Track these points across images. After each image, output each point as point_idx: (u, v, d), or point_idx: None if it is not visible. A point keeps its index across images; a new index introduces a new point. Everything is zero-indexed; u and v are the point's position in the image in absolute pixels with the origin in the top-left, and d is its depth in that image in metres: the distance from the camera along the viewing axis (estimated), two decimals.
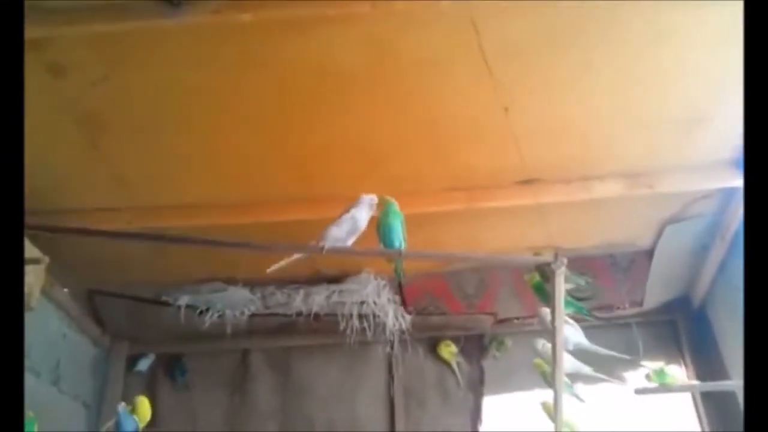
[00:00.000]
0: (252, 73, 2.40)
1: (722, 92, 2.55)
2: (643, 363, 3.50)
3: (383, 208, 2.46)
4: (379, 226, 2.44)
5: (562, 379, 2.51)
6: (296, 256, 2.31)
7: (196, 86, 2.44)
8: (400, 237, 2.39)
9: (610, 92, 2.55)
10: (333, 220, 2.29)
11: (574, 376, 2.84)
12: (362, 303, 3.68)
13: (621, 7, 2.19)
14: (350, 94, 2.52)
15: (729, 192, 3.05)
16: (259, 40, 2.26)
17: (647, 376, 3.05)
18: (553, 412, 2.59)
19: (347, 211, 2.35)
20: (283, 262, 2.30)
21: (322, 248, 2.21)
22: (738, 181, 2.92)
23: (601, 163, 2.94)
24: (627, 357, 3.09)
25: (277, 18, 2.14)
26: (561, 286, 2.30)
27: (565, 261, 2.29)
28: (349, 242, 2.34)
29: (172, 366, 3.96)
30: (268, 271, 2.22)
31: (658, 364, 3.18)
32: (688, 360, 3.71)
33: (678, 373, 3.13)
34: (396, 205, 2.45)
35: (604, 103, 2.60)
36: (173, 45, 2.27)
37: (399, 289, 3.69)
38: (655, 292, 3.68)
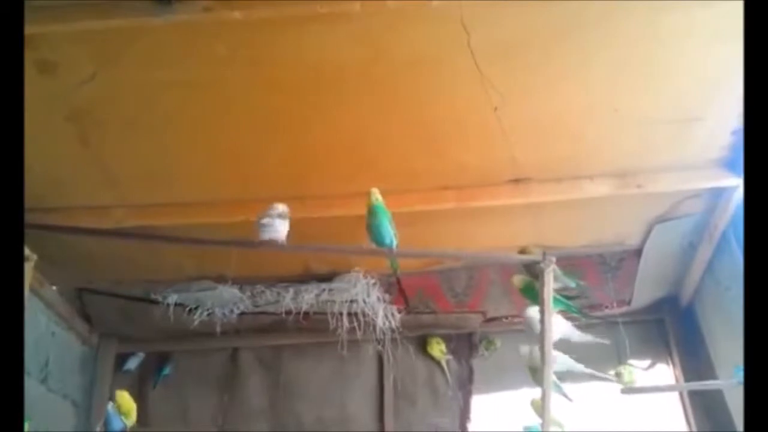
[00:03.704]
0: (243, 71, 2.40)
1: (712, 93, 2.57)
2: (631, 362, 3.54)
3: (370, 207, 2.47)
4: (369, 225, 2.46)
5: (551, 378, 2.52)
6: None
7: (187, 84, 2.44)
8: (390, 234, 2.41)
9: (600, 92, 2.56)
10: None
11: (565, 374, 2.85)
12: (352, 302, 3.67)
13: (611, 8, 2.20)
14: (341, 93, 2.52)
15: (717, 191, 3.07)
16: (250, 38, 2.26)
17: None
18: (541, 410, 2.60)
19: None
20: None
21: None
22: (726, 181, 2.94)
23: (591, 163, 2.95)
24: (607, 341, 3.11)
25: (268, 16, 2.14)
26: (550, 285, 2.32)
27: (554, 260, 2.31)
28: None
29: (161, 365, 3.95)
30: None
31: (617, 369, 3.25)
32: (676, 358, 3.75)
33: (634, 372, 3.26)
34: (382, 203, 2.46)
35: (594, 102, 2.61)
36: (164, 43, 2.26)
37: (397, 283, 3.69)
38: (644, 291, 3.70)
